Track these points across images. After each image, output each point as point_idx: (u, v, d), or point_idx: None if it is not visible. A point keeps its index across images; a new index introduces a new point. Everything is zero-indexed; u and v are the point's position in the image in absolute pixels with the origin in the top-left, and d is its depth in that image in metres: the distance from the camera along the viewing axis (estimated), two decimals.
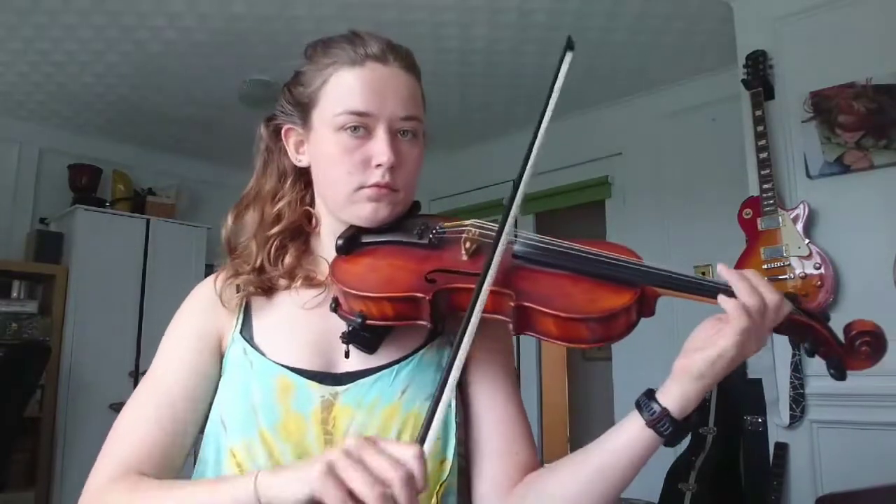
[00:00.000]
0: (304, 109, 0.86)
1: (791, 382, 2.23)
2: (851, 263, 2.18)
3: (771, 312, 0.67)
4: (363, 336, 0.78)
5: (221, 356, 0.85)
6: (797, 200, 2.29)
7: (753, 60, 2.41)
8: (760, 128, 2.34)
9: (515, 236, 0.78)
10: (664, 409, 0.68)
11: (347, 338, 0.78)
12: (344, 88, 0.82)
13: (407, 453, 0.55)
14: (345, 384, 0.80)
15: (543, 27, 2.88)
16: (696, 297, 0.70)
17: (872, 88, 2.22)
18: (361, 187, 0.82)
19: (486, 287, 0.68)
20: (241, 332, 0.84)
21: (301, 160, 0.89)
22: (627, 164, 3.63)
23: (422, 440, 0.57)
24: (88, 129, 4.06)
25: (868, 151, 2.20)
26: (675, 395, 0.68)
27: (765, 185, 2.30)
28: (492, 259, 0.69)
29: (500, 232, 0.72)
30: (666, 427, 0.67)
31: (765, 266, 2.26)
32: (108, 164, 4.13)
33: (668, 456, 2.74)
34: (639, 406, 0.70)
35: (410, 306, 0.75)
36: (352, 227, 0.85)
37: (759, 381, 2.47)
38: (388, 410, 0.78)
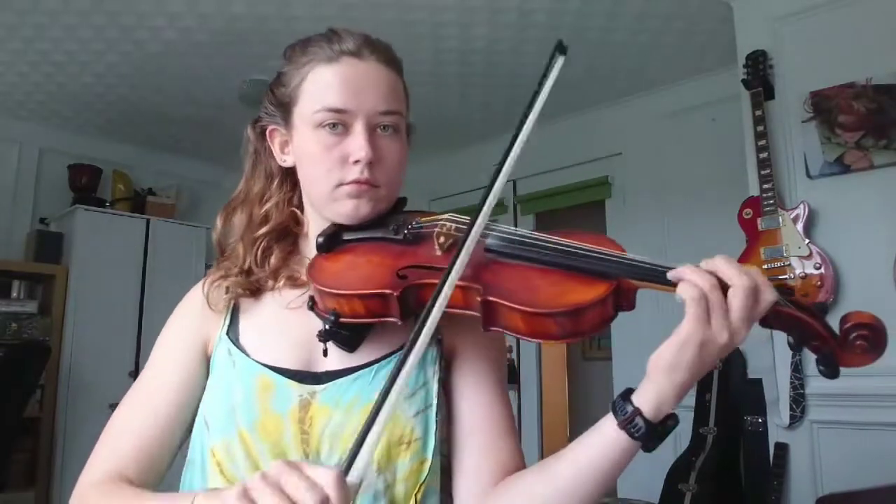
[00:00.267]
0: (285, 109, 0.86)
1: (791, 382, 2.23)
2: (851, 263, 2.18)
3: (739, 293, 0.62)
4: (342, 334, 0.78)
5: (209, 359, 0.86)
6: (797, 200, 2.29)
7: (753, 60, 2.41)
8: (760, 128, 2.34)
9: (490, 230, 0.75)
10: (636, 409, 0.64)
11: (324, 336, 0.77)
12: (321, 85, 0.82)
13: (326, 477, 0.54)
14: (323, 383, 0.79)
15: (543, 27, 2.88)
16: (668, 288, 0.65)
17: (872, 88, 2.22)
18: (341, 184, 0.82)
19: (450, 284, 0.65)
20: (227, 333, 0.85)
21: (286, 160, 0.89)
22: (627, 164, 3.63)
23: (346, 467, 0.55)
24: (88, 129, 4.06)
25: (868, 151, 2.20)
26: (648, 395, 0.64)
27: (765, 185, 2.30)
28: (459, 254, 0.66)
29: (470, 226, 0.69)
30: (638, 429, 0.64)
31: (765, 266, 2.26)
32: (108, 164, 4.13)
33: (668, 456, 2.74)
34: (613, 407, 0.66)
35: (380, 303, 0.74)
36: (333, 224, 0.85)
37: (759, 382, 2.47)
38: (365, 410, 0.77)
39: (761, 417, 2.51)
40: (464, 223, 0.79)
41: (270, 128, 0.89)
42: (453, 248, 0.75)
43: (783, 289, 0.66)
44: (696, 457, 2.63)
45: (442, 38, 2.96)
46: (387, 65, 0.85)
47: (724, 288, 0.63)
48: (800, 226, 2.24)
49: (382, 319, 0.75)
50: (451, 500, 0.81)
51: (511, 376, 3.88)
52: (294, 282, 0.86)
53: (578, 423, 5.18)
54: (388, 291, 0.73)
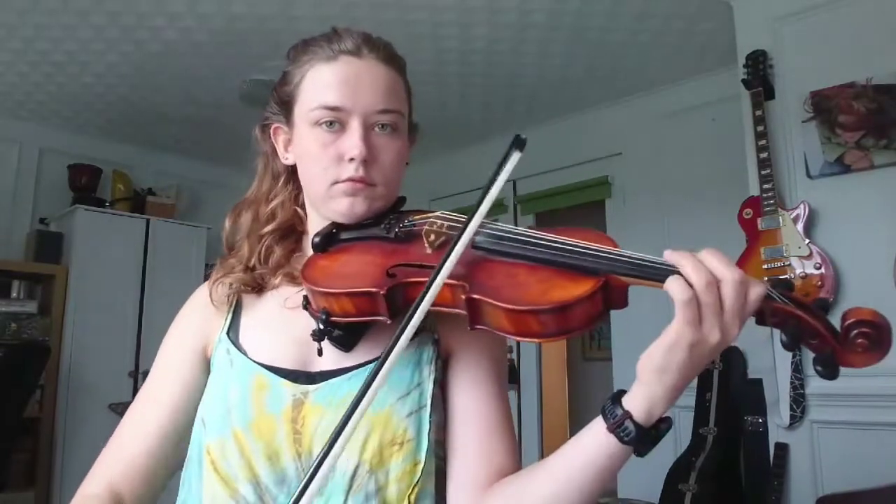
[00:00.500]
0: (287, 108, 0.87)
1: (791, 383, 2.23)
2: (851, 263, 2.18)
3: (730, 289, 0.59)
4: (336, 334, 0.78)
5: (208, 362, 0.87)
6: (797, 200, 2.29)
7: (753, 60, 2.41)
8: (760, 128, 2.34)
9: (479, 227, 0.73)
10: (625, 412, 0.62)
11: (318, 335, 0.77)
12: (318, 83, 0.82)
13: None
14: (317, 383, 0.79)
15: (543, 27, 2.88)
16: (658, 285, 0.62)
17: (872, 88, 2.22)
18: (336, 182, 0.82)
19: (438, 282, 0.64)
20: (227, 333, 0.85)
21: (288, 158, 0.89)
22: (627, 164, 3.63)
23: (303, 489, 0.58)
24: (88, 129, 4.06)
25: (868, 151, 2.20)
26: (638, 397, 0.62)
27: (765, 185, 2.30)
28: (449, 253, 0.65)
29: (462, 229, 0.68)
30: (628, 433, 0.62)
31: (765, 266, 2.26)
32: (107, 164, 4.13)
33: (668, 456, 2.74)
34: (603, 410, 0.64)
35: (368, 301, 0.74)
36: (331, 224, 0.85)
37: (759, 382, 2.47)
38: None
39: (761, 417, 2.50)
40: (454, 220, 0.78)
41: (274, 126, 0.90)
42: (444, 246, 0.74)
43: (783, 283, 0.63)
44: (696, 457, 2.63)
45: (442, 38, 2.96)
46: (386, 63, 0.84)
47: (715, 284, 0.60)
48: (800, 226, 2.23)
49: (372, 318, 0.75)
50: (444, 502, 0.80)
51: (511, 376, 3.87)
52: (293, 280, 0.87)
53: (578, 424, 5.18)
54: (374, 290, 0.73)
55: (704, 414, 2.70)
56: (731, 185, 2.74)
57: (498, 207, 4.14)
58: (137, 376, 3.71)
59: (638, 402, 0.62)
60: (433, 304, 0.66)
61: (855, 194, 2.22)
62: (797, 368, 2.22)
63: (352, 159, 0.80)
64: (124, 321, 3.82)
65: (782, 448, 2.30)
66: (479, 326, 0.68)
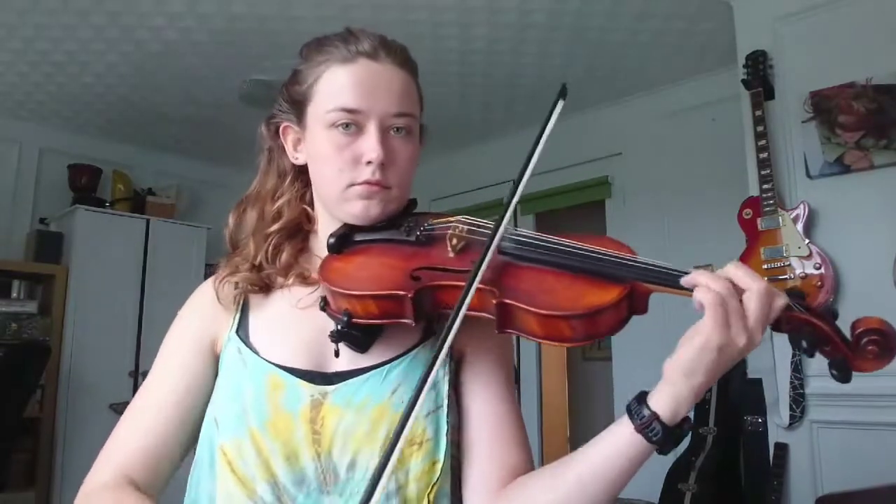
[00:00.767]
0: (299, 107, 0.86)
1: (791, 382, 2.23)
2: (851, 263, 2.18)
3: (755, 297, 0.63)
4: (353, 335, 0.78)
5: (217, 358, 0.86)
6: (797, 200, 2.29)
7: (753, 60, 2.41)
8: (760, 128, 2.34)
9: (505, 233, 0.76)
10: (653, 413, 0.64)
11: (336, 337, 0.78)
12: (335, 85, 0.82)
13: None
14: (335, 384, 0.79)
15: (543, 27, 2.88)
16: (682, 292, 0.66)
17: (872, 88, 2.22)
18: (352, 184, 0.82)
19: (474, 286, 0.67)
20: (236, 332, 0.85)
21: (298, 158, 0.89)
22: (627, 164, 3.63)
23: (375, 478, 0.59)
24: (88, 129, 4.06)
25: (868, 151, 2.20)
26: (665, 398, 0.64)
27: (765, 185, 2.30)
28: (483, 261, 0.68)
29: (493, 234, 0.70)
30: (655, 433, 0.64)
31: (765, 266, 2.26)
32: (107, 164, 4.13)
33: (668, 456, 2.74)
34: (629, 411, 0.66)
35: (394, 304, 0.74)
36: (344, 225, 0.85)
37: (759, 382, 2.47)
38: (377, 410, 0.78)
39: (761, 417, 2.50)
40: (476, 225, 0.80)
41: (284, 125, 0.89)
42: (466, 250, 0.77)
43: (796, 293, 0.66)
44: (696, 457, 2.63)
45: (442, 38, 2.96)
46: (402, 67, 0.85)
47: (738, 293, 0.64)
48: (800, 226, 2.23)
49: (396, 321, 0.75)
50: (461, 502, 0.81)
51: None
52: (304, 280, 0.86)
53: (578, 423, 5.18)
54: (402, 293, 0.73)
55: (704, 414, 2.70)
56: (731, 185, 2.74)
57: (497, 208, 4.10)
58: (137, 376, 3.71)
59: (664, 403, 0.65)
60: None
61: (855, 194, 2.22)
62: (797, 368, 2.22)
63: (369, 162, 0.80)
64: (124, 321, 3.82)
65: (782, 448, 2.30)
66: (507, 330, 0.70)
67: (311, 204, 0.92)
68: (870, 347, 0.63)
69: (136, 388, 3.60)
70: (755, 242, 2.31)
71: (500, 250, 0.74)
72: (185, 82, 3.41)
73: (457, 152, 4.26)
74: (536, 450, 3.84)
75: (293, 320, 0.84)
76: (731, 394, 2.70)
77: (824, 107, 2.29)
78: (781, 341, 2.22)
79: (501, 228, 0.71)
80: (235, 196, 0.95)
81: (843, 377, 0.64)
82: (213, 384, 0.84)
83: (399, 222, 0.84)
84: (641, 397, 0.66)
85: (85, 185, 3.98)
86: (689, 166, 3.32)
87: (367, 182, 0.81)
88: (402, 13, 2.75)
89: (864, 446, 2.11)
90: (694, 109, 3.33)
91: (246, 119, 3.60)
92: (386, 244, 0.83)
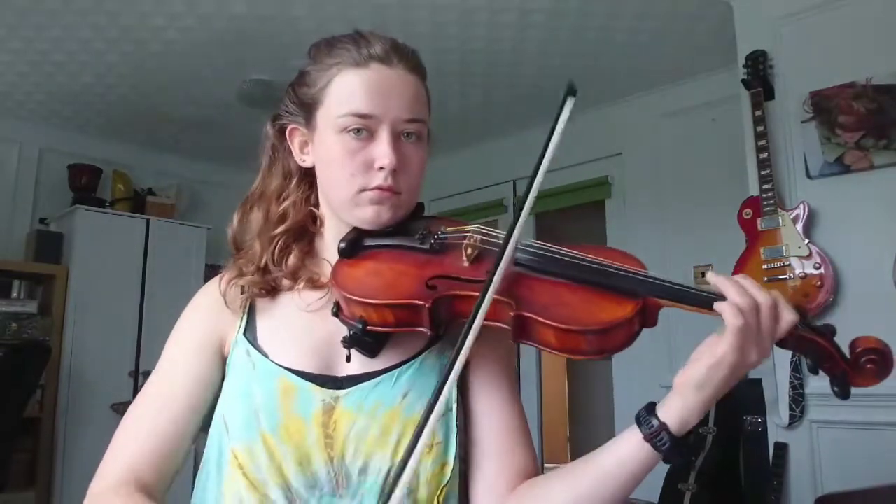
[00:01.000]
0: (308, 110, 0.86)
1: (791, 382, 2.23)
2: (851, 263, 2.18)
3: (766, 314, 0.65)
4: (366, 341, 0.78)
5: (224, 359, 0.85)
6: (797, 200, 2.29)
7: (753, 60, 2.40)
8: (760, 128, 2.34)
9: (519, 244, 0.76)
10: (662, 424, 0.66)
11: (349, 342, 0.77)
12: (347, 90, 0.81)
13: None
14: (346, 388, 0.79)
15: (543, 27, 2.88)
16: (695, 308, 0.68)
17: (872, 88, 2.22)
18: (364, 190, 0.81)
19: (489, 297, 0.67)
20: (244, 334, 0.84)
21: (305, 160, 0.89)
22: (627, 164, 3.63)
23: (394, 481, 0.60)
24: (88, 129, 4.06)
25: (868, 151, 2.20)
26: (674, 409, 0.66)
27: (765, 185, 2.30)
28: (495, 271, 0.68)
29: (504, 244, 0.70)
30: (663, 443, 0.66)
31: (765, 266, 2.26)
32: (108, 164, 4.13)
33: None
34: (638, 420, 0.68)
35: (411, 313, 0.74)
36: (354, 229, 0.84)
37: (758, 382, 2.47)
38: (389, 414, 0.78)
39: (761, 417, 2.50)
40: (490, 235, 0.80)
41: (291, 127, 0.88)
42: (480, 259, 0.77)
43: (799, 312, 0.68)
44: (696, 457, 2.63)
45: (442, 38, 2.96)
46: (413, 72, 0.85)
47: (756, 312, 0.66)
48: (800, 226, 2.24)
49: (411, 329, 0.76)
50: None
51: None
52: (314, 284, 0.86)
53: (578, 424, 5.19)
54: (419, 302, 0.73)
55: (704, 414, 2.70)
56: (731, 185, 2.74)
57: (497, 207, 4.14)
58: (138, 376, 3.71)
59: (673, 414, 0.66)
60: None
61: (855, 194, 2.22)
62: (796, 368, 2.22)
63: (381, 168, 0.80)
64: (124, 321, 3.82)
65: (781, 448, 2.30)
66: (523, 341, 0.71)
67: (317, 206, 0.91)
68: (869, 366, 0.67)
69: (136, 388, 3.61)
70: (755, 242, 2.31)
71: (515, 262, 0.75)
72: (185, 82, 3.41)
73: (457, 152, 4.25)
74: (537, 450, 3.83)
75: (302, 324, 0.84)
76: (731, 394, 2.68)
77: (824, 107, 2.29)
78: None
79: (514, 237, 0.71)
80: (235, 196, 0.94)
81: (844, 392, 0.69)
82: (219, 385, 0.84)
83: (410, 228, 0.84)
84: (651, 407, 0.68)
85: (85, 185, 3.98)
86: (689, 166, 3.32)
87: (378, 188, 0.81)
88: (403, 12, 2.75)
89: (864, 446, 2.11)
90: (694, 109, 3.33)
91: (246, 119, 3.61)
92: (399, 250, 0.83)
